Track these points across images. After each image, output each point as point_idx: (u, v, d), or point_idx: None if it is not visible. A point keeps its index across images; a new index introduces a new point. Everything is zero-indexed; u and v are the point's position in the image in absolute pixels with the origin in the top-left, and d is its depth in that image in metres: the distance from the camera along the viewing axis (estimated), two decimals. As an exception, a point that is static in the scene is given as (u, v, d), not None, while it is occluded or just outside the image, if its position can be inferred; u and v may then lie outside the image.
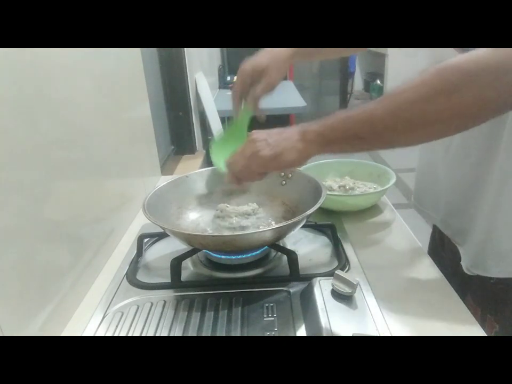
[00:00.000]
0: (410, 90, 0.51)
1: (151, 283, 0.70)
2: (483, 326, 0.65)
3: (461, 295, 0.66)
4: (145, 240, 0.83)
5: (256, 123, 0.78)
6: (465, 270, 0.72)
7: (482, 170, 0.67)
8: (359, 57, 4.72)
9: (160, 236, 0.84)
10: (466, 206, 0.72)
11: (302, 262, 0.71)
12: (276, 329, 0.58)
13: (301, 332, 0.58)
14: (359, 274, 0.69)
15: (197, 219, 0.83)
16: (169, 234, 0.72)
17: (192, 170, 0.89)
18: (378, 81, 5.22)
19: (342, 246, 0.78)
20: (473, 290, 0.73)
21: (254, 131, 0.63)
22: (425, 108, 0.49)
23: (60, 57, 0.65)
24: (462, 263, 0.73)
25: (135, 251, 0.80)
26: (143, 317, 0.62)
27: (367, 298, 0.61)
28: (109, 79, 0.87)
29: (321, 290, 0.61)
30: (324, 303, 0.58)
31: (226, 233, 0.75)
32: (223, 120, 2.47)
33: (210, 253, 0.75)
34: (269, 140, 0.59)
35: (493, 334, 0.68)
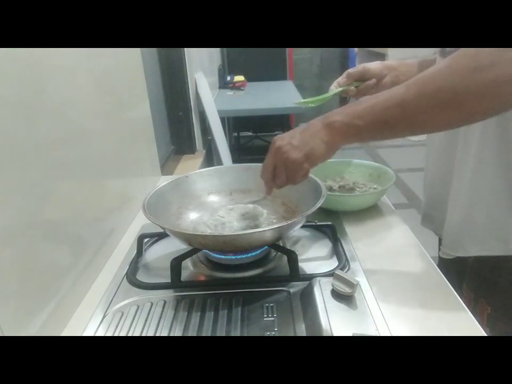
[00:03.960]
0: (440, 72, 0.52)
1: (151, 283, 0.70)
2: (475, 310, 0.70)
3: (458, 286, 0.69)
4: (145, 240, 0.83)
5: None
6: (442, 255, 0.77)
7: (457, 159, 0.71)
8: (359, 57, 4.71)
9: (160, 236, 0.84)
10: (445, 195, 0.76)
11: (302, 262, 0.72)
12: (276, 329, 0.58)
13: (301, 332, 0.58)
14: (359, 274, 0.69)
15: (197, 219, 0.83)
16: (169, 234, 0.72)
17: (192, 170, 0.89)
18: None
19: (342, 246, 0.78)
20: (467, 278, 0.76)
21: (275, 138, 0.63)
22: (457, 87, 0.49)
23: (60, 57, 0.65)
24: (441, 248, 0.77)
25: (135, 251, 0.80)
26: (143, 317, 0.62)
27: (367, 298, 0.61)
28: (109, 79, 0.87)
29: (321, 290, 0.61)
30: (324, 303, 0.58)
31: (226, 233, 0.75)
32: (223, 120, 2.47)
33: (210, 253, 0.75)
34: (294, 142, 0.59)
35: (485, 318, 0.71)
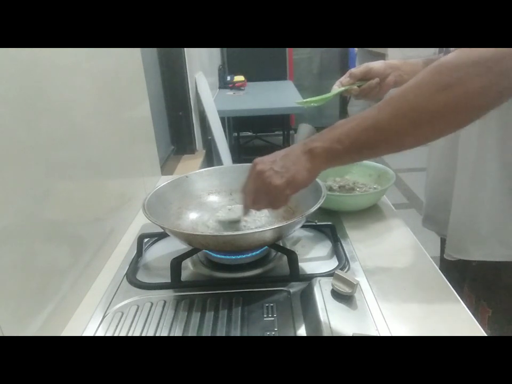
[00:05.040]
0: (410, 91, 0.52)
1: (151, 283, 0.70)
2: (476, 312, 0.70)
3: (459, 288, 0.69)
4: (145, 240, 0.83)
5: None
6: (446, 257, 0.77)
7: (459, 162, 0.71)
8: (359, 57, 4.71)
9: (160, 236, 0.84)
10: (447, 197, 0.76)
11: (302, 262, 0.72)
12: (276, 329, 0.58)
13: (301, 332, 0.58)
14: (359, 274, 0.69)
15: (197, 219, 0.83)
16: (169, 234, 0.72)
17: (192, 170, 0.89)
18: (378, 81, 5.20)
19: (342, 246, 0.78)
20: (469, 279, 0.76)
21: (255, 160, 0.62)
22: (426, 106, 0.50)
23: (60, 57, 0.65)
24: (445, 249, 0.77)
25: (135, 251, 0.80)
26: (143, 317, 0.62)
27: (367, 298, 0.61)
28: (109, 79, 0.87)
29: (321, 290, 0.61)
30: (324, 303, 0.58)
31: (226, 233, 0.75)
32: (223, 120, 2.47)
33: (210, 253, 0.75)
34: (275, 167, 0.59)
35: (486, 320, 0.71)
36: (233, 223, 0.77)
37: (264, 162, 0.61)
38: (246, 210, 0.68)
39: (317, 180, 0.76)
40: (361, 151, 0.55)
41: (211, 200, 0.88)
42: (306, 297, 0.63)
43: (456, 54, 0.49)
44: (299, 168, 0.58)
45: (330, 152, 0.56)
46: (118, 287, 0.70)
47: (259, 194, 0.61)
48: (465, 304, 0.62)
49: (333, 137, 0.56)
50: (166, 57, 1.85)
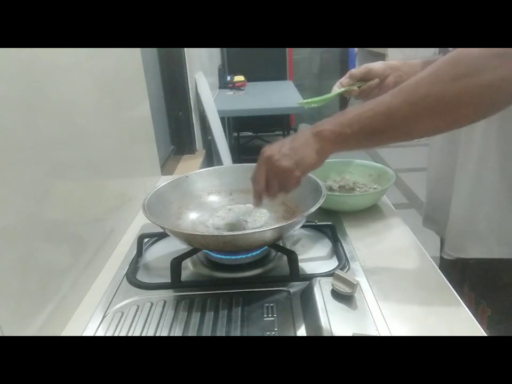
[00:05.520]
0: (425, 79, 0.52)
1: (151, 283, 0.70)
2: (476, 312, 0.70)
3: (459, 288, 0.70)
4: (145, 240, 0.83)
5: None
6: (444, 256, 0.78)
7: (459, 161, 0.72)
8: (359, 57, 4.71)
9: (160, 236, 0.84)
10: (447, 196, 0.76)
11: (302, 262, 0.72)
12: (276, 329, 0.58)
13: (301, 332, 0.58)
14: (359, 274, 0.69)
15: (197, 219, 0.83)
16: (169, 234, 0.72)
17: (192, 170, 0.89)
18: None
19: (342, 246, 0.78)
20: (469, 279, 0.76)
21: (263, 149, 0.62)
22: (440, 94, 0.50)
23: (60, 57, 0.65)
24: (443, 248, 0.78)
25: (135, 251, 0.80)
26: (143, 317, 0.62)
27: (367, 298, 0.61)
28: (109, 79, 0.87)
29: (321, 290, 0.61)
30: (324, 303, 0.58)
31: (226, 233, 0.75)
32: (223, 120, 2.47)
33: (210, 253, 0.75)
34: (284, 151, 0.60)
35: (486, 320, 0.71)
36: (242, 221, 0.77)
37: (272, 148, 0.61)
38: (258, 200, 0.66)
39: (317, 180, 0.76)
40: (370, 136, 0.56)
41: (211, 200, 0.88)
42: (306, 297, 0.63)
43: (471, 48, 0.49)
44: (307, 150, 0.58)
45: (338, 135, 0.57)
46: (118, 287, 0.70)
47: (270, 179, 0.62)
48: (465, 304, 0.62)
49: (342, 121, 0.56)
50: (166, 57, 1.85)
